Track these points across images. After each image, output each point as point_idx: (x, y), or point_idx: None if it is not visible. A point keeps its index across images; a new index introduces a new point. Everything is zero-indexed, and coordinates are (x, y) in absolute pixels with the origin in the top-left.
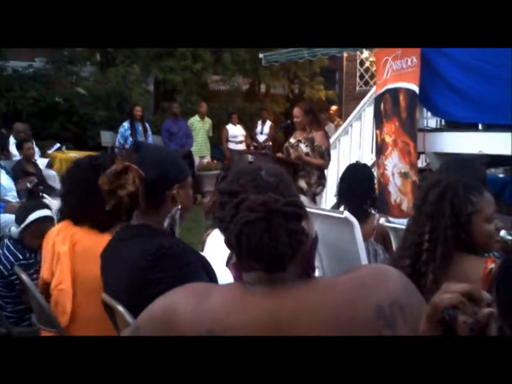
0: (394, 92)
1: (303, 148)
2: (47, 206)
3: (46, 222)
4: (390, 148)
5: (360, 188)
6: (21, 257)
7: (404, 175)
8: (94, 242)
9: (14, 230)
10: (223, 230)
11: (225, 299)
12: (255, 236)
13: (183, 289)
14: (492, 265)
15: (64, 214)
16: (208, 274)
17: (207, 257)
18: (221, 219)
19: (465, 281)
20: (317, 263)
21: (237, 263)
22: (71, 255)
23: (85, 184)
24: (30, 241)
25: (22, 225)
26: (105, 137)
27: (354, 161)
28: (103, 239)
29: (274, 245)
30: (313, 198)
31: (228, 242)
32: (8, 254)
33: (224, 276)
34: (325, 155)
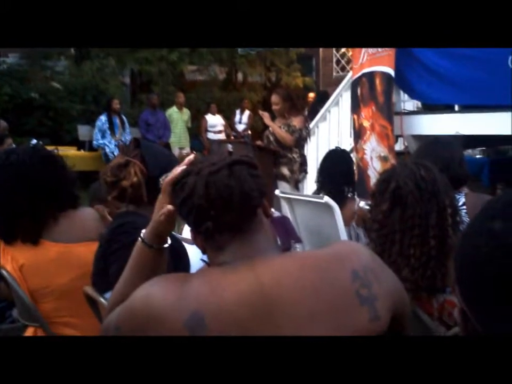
0: (371, 76)
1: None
2: None
3: None
4: (368, 132)
5: (338, 172)
6: None
7: (384, 159)
8: (37, 256)
9: None
10: (188, 199)
11: (206, 280)
12: (222, 180)
13: (159, 280)
14: None
15: None
16: (180, 259)
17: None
18: (182, 188)
19: None
20: (299, 246)
21: (209, 242)
22: (21, 277)
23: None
24: None
25: None
26: (83, 131)
27: (333, 147)
28: (44, 251)
29: (242, 186)
30: (296, 185)
31: (194, 207)
32: None
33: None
34: (295, 133)
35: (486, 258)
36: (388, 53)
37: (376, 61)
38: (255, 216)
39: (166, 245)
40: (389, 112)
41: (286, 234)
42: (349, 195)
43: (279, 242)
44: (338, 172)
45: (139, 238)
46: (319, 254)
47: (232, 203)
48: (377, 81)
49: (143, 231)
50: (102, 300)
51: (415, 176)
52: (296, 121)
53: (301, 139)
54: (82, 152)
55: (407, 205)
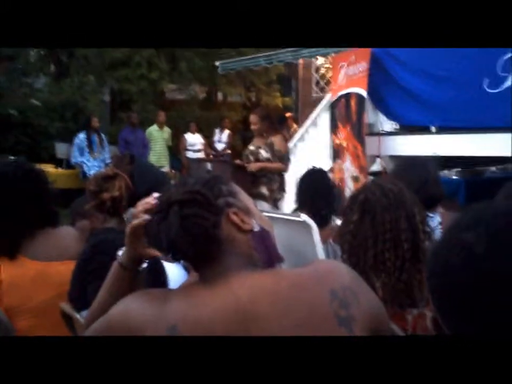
0: (347, 97)
1: (264, 154)
2: None
3: None
4: (345, 152)
5: (316, 193)
6: None
7: (355, 179)
8: (15, 274)
9: None
10: None
11: (184, 295)
12: (153, 228)
13: (138, 294)
14: None
15: None
16: (158, 277)
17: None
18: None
19: None
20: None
21: (188, 264)
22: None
23: None
24: None
25: None
26: (60, 149)
27: (310, 167)
28: (22, 268)
29: (168, 232)
30: (275, 204)
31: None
32: None
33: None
34: (285, 159)
35: (458, 267)
36: (363, 75)
37: (353, 82)
38: (210, 245)
39: (143, 266)
40: (359, 132)
41: (266, 250)
42: (330, 215)
43: (257, 259)
44: (317, 191)
45: (116, 259)
46: (297, 272)
47: (166, 249)
48: (353, 102)
49: (120, 252)
50: (78, 316)
51: (382, 187)
52: (277, 140)
53: (288, 159)
54: (60, 170)
55: (376, 213)
